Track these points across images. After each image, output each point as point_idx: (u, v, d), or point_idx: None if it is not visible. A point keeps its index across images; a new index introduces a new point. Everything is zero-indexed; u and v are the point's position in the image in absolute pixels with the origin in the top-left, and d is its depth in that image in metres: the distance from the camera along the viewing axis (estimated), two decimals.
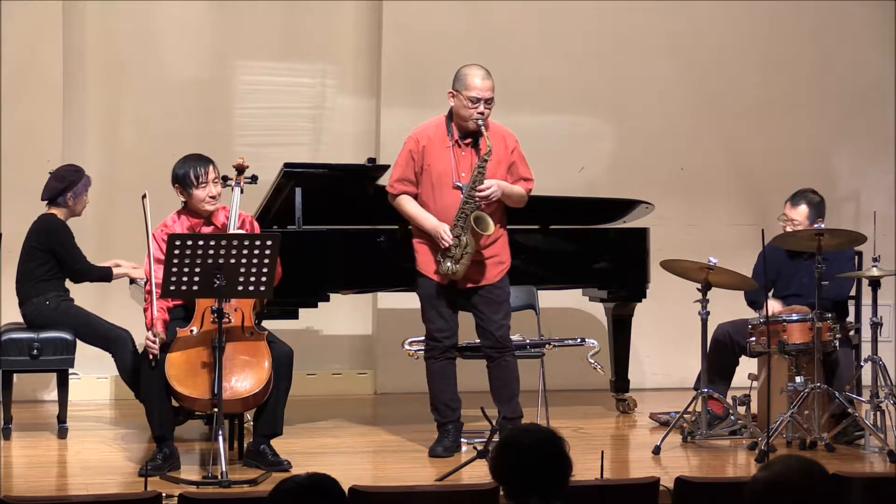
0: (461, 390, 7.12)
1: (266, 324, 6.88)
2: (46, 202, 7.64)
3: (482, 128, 6.87)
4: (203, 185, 6.81)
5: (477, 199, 6.86)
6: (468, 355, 7.34)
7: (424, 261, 7.02)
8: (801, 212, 7.67)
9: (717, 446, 7.29)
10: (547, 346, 7.61)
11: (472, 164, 6.92)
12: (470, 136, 6.98)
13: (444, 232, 6.87)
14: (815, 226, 7.42)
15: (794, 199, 7.75)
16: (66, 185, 7.60)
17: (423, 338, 7.33)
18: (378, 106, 9.26)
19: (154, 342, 6.54)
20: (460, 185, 6.90)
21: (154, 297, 6.59)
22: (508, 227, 7.32)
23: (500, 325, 7.04)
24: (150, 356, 6.54)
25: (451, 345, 7.06)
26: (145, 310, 6.75)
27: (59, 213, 7.62)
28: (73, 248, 7.59)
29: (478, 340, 7.20)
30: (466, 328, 7.20)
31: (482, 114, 6.89)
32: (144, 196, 6.69)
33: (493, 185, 6.87)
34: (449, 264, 6.89)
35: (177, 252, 6.29)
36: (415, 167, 7.00)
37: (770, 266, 7.56)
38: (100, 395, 8.76)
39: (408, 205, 7.03)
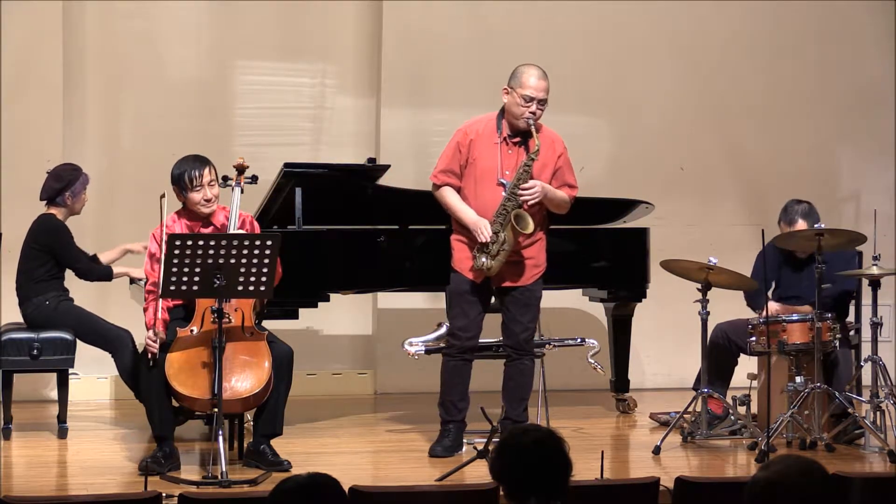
0: None
1: (266, 324, 6.88)
2: (45, 202, 7.64)
3: (532, 127, 6.86)
4: (198, 188, 6.80)
5: (519, 197, 6.86)
6: (475, 355, 7.31)
7: (460, 258, 6.99)
8: (800, 227, 7.64)
9: (717, 446, 7.29)
10: (547, 346, 7.61)
11: (517, 162, 6.89)
12: (519, 134, 6.95)
13: (484, 227, 6.85)
14: (816, 226, 7.42)
15: (787, 219, 7.72)
16: (63, 184, 7.59)
17: (423, 338, 7.33)
18: (378, 106, 9.26)
19: (154, 342, 6.54)
20: (504, 181, 6.88)
21: (159, 299, 6.58)
22: None
23: (526, 327, 7.03)
24: (150, 356, 6.53)
25: (471, 346, 7.04)
26: (145, 310, 6.75)
27: (58, 212, 7.61)
28: (73, 248, 7.58)
29: (487, 340, 7.20)
30: (486, 328, 7.19)
31: (534, 113, 6.87)
32: (163, 196, 6.67)
33: (536, 186, 6.84)
34: (484, 259, 6.87)
35: (177, 252, 6.29)
36: (460, 160, 6.98)
37: (770, 267, 7.56)
38: (100, 395, 8.77)
39: (450, 197, 6.99)
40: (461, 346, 7.01)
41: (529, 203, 6.85)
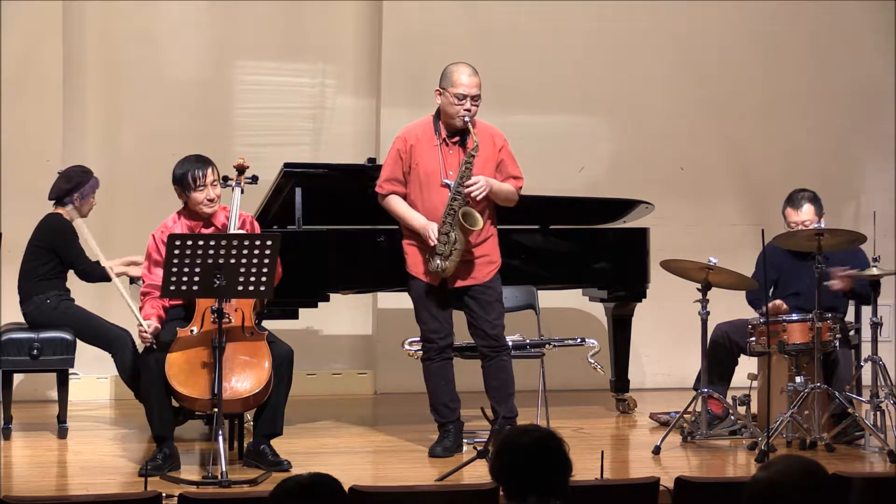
0: (460, 390, 7.12)
1: (266, 324, 6.88)
2: (53, 201, 7.64)
3: (469, 124, 6.86)
4: (201, 188, 6.80)
5: (464, 194, 6.85)
6: (468, 355, 7.34)
7: (414, 262, 7.00)
8: (806, 212, 7.65)
9: (717, 446, 7.29)
10: (547, 346, 7.61)
11: (459, 162, 6.89)
12: (457, 134, 6.96)
13: (432, 231, 6.84)
14: (815, 225, 7.43)
15: (793, 203, 7.71)
16: (73, 185, 7.60)
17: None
18: (378, 106, 9.26)
19: (147, 332, 6.53)
20: (448, 182, 6.88)
21: (152, 298, 6.60)
22: (508, 226, 7.31)
23: (494, 324, 7.02)
24: (146, 345, 6.54)
25: (447, 345, 7.05)
26: (141, 308, 6.75)
27: (65, 213, 7.62)
28: (77, 249, 7.58)
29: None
30: (464, 329, 7.19)
31: (469, 110, 6.87)
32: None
33: (480, 180, 6.84)
34: (438, 261, 6.87)
35: (177, 252, 6.29)
36: (403, 166, 6.99)
37: (771, 266, 7.56)
38: (100, 395, 8.77)
39: (396, 204, 7.01)
40: (438, 347, 7.01)
41: (477, 197, 6.84)
